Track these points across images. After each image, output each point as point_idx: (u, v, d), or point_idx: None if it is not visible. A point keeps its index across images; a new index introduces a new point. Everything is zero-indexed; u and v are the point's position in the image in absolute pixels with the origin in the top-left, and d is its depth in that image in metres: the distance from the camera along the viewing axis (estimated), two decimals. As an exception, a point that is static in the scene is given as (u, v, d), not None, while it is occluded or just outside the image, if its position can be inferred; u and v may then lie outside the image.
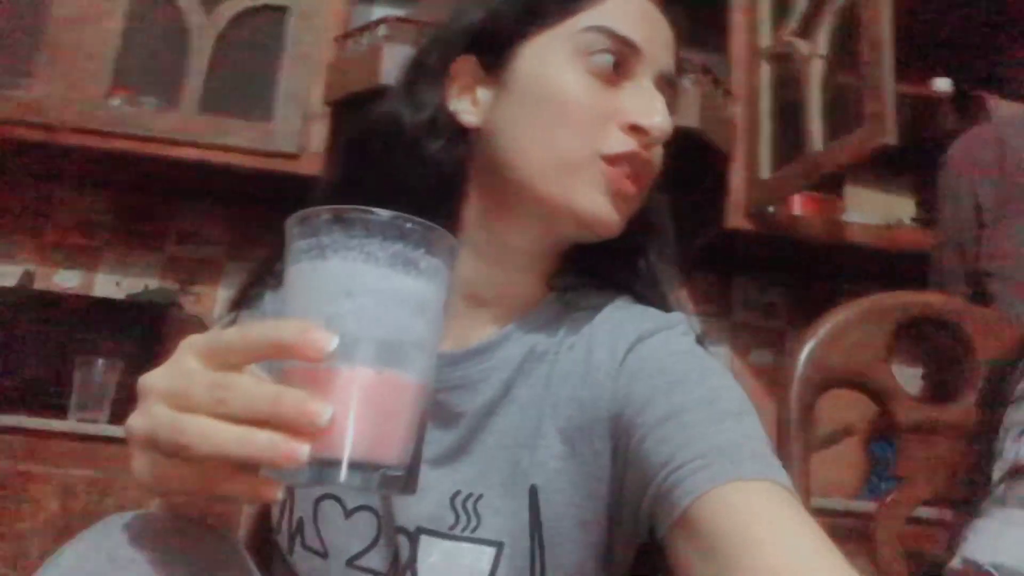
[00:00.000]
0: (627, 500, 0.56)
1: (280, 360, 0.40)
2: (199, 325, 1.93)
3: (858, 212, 2.10)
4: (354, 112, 1.77)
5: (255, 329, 0.39)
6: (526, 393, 0.61)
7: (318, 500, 0.63)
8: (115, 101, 1.77)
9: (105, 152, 1.75)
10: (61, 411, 1.56)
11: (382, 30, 1.73)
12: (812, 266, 2.13)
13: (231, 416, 0.37)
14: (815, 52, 1.66)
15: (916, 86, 1.99)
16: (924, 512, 1.01)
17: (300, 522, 0.63)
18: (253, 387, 0.38)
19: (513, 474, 0.59)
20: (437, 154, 0.61)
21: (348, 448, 0.38)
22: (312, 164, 1.76)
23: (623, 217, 0.60)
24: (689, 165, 1.96)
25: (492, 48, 0.61)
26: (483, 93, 0.62)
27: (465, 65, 0.62)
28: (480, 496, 0.59)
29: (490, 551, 0.58)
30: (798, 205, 1.92)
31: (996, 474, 0.72)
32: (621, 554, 0.60)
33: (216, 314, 2.00)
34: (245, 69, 1.83)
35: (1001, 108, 1.67)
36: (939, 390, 1.07)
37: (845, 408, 1.52)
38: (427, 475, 0.60)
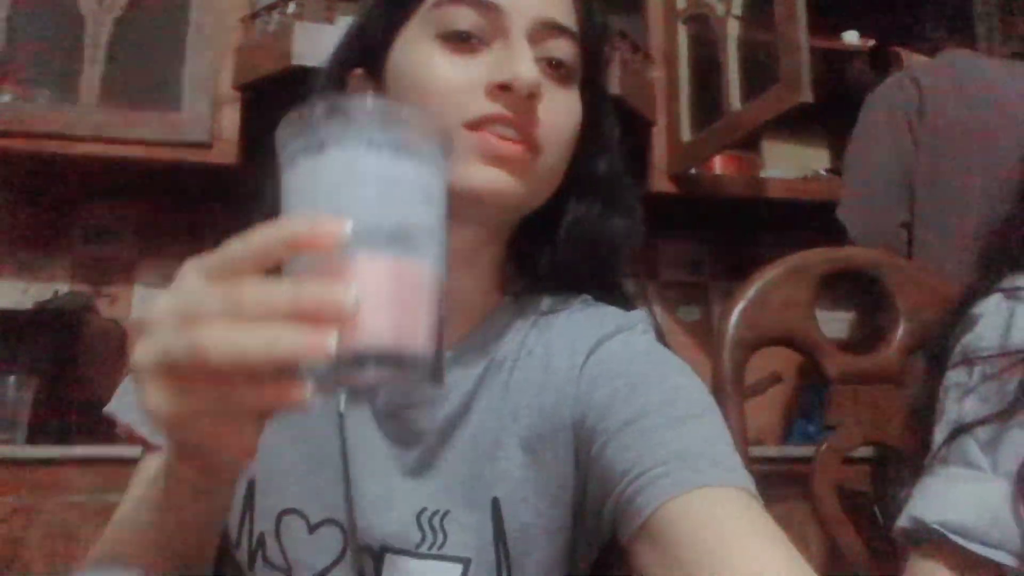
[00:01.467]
0: (590, 506, 0.56)
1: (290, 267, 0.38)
2: (117, 328, 1.86)
3: (775, 166, 2.15)
4: (265, 96, 1.70)
5: (259, 233, 0.36)
6: (485, 404, 0.60)
7: (280, 515, 0.61)
8: (4, 97, 1.65)
9: (-2, 152, 1.64)
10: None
11: (291, 8, 1.66)
12: (733, 221, 2.17)
13: (249, 320, 0.34)
14: (730, 12, 1.68)
15: (827, 39, 2.03)
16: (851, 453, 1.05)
17: (261, 537, 0.61)
18: (268, 286, 0.35)
19: (475, 487, 0.58)
20: None
21: (376, 337, 0.37)
22: (225, 153, 1.69)
23: (514, 180, 0.55)
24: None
25: (373, 55, 0.60)
26: None
27: (356, 79, 0.61)
28: (446, 512, 0.58)
29: (457, 568, 0.57)
30: (719, 165, 1.95)
31: (939, 435, 0.75)
32: (585, 556, 0.60)
33: (134, 315, 1.92)
34: (147, 56, 1.73)
35: (914, 61, 1.72)
36: (872, 335, 1.10)
37: (771, 357, 1.57)
38: (392, 492, 0.59)
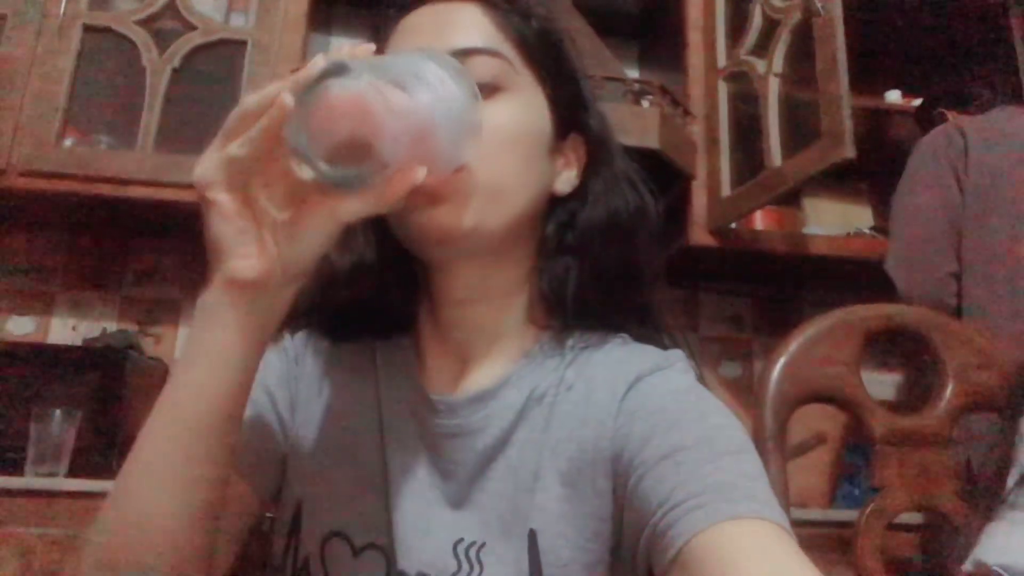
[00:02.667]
0: (626, 540, 0.56)
1: None
2: (160, 367, 1.89)
3: (817, 223, 2.14)
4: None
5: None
6: (525, 437, 0.60)
7: (326, 538, 0.62)
8: (67, 142, 1.73)
9: (58, 194, 1.70)
10: (17, 466, 1.50)
11: (340, 61, 1.72)
12: (775, 277, 2.15)
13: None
14: (771, 70, 1.69)
15: (869, 98, 2.04)
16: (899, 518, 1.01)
17: (306, 561, 0.62)
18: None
19: (513, 520, 0.58)
20: (369, 233, 0.66)
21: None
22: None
23: (449, 210, 0.56)
24: (652, 184, 1.97)
25: None
26: None
27: None
28: (483, 544, 0.59)
29: None
30: (760, 219, 1.95)
31: (1010, 480, 0.74)
32: None
33: (177, 355, 1.95)
34: (202, 105, 1.80)
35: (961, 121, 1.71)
36: (919, 397, 1.07)
37: (815, 416, 1.53)
38: (431, 520, 0.60)
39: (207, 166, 0.49)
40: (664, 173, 1.84)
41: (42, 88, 1.71)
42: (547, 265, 0.63)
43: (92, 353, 1.74)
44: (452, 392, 0.63)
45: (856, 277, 2.07)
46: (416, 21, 0.62)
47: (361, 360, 0.67)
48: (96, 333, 1.87)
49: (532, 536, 0.57)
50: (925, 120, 1.85)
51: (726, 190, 1.81)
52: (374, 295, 0.65)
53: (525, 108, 0.61)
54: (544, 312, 0.65)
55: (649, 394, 0.58)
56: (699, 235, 1.84)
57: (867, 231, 2.10)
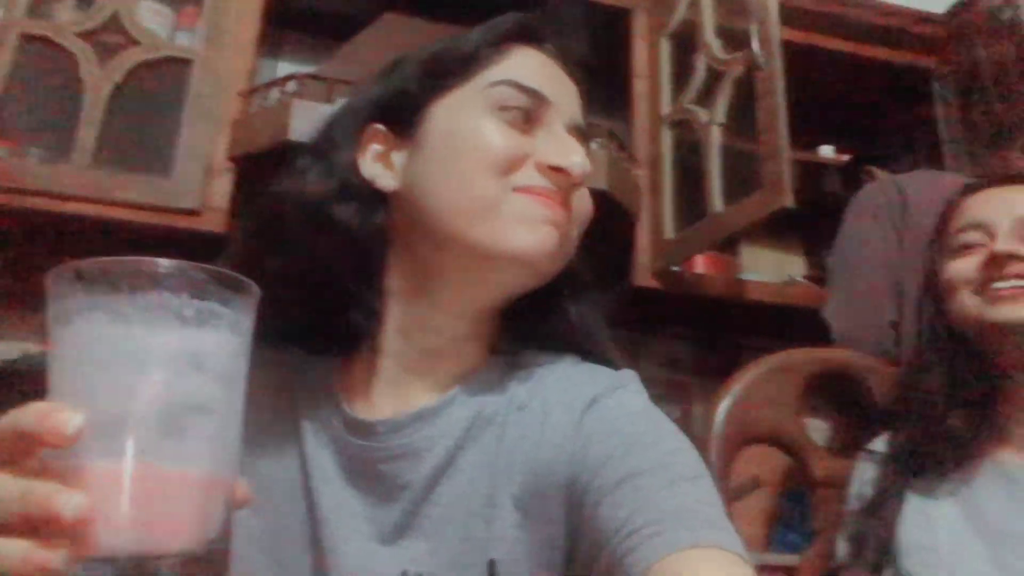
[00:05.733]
0: (580, 567, 0.55)
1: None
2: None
3: (753, 269, 2.20)
4: (259, 168, 1.72)
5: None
6: (475, 459, 0.59)
7: None
8: (-2, 153, 1.65)
9: (-16, 207, 1.62)
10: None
11: (291, 86, 1.70)
12: (713, 321, 2.20)
13: None
14: (714, 120, 1.75)
15: (804, 152, 2.13)
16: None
17: None
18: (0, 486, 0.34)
19: (466, 549, 0.57)
20: (351, 220, 0.60)
21: (116, 542, 0.34)
22: (213, 220, 1.69)
23: (553, 245, 0.59)
24: (599, 226, 2.00)
25: (401, 115, 0.63)
26: (397, 156, 0.63)
27: (375, 132, 0.64)
28: None
29: None
30: (700, 264, 1.99)
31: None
32: None
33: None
34: (144, 122, 1.75)
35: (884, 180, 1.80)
36: (851, 444, 1.12)
37: (748, 462, 1.56)
38: (373, 555, 0.57)
39: None
40: (610, 214, 1.88)
41: (-29, 94, 1.63)
42: (523, 309, 0.65)
43: (9, 375, 1.65)
44: (393, 412, 0.61)
45: (790, 323, 2.14)
46: (544, 63, 0.65)
47: (274, 376, 0.63)
48: (15, 355, 1.77)
49: (492, 566, 0.56)
50: (852, 176, 1.94)
51: (669, 233, 1.85)
52: (335, 311, 0.60)
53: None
54: (494, 332, 0.65)
55: (605, 416, 0.58)
56: (643, 277, 1.87)
57: (800, 279, 2.18)
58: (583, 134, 0.66)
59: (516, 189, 0.59)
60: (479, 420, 0.60)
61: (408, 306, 0.62)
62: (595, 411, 0.58)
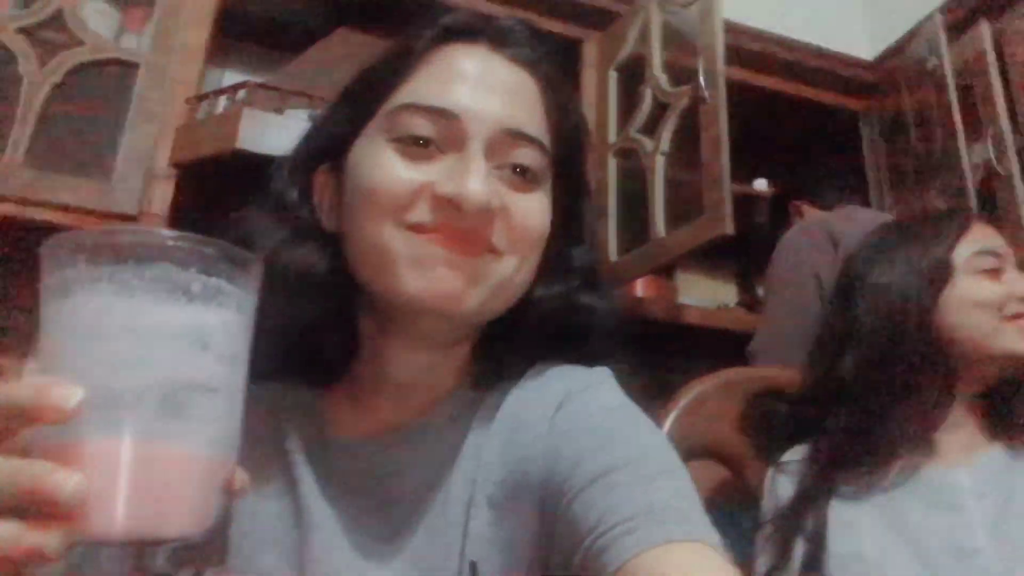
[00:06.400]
0: (555, 566, 0.54)
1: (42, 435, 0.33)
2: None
3: (687, 295, 2.27)
4: (202, 175, 1.69)
5: None
6: (457, 472, 0.59)
7: None
8: (-79, 146, 1.57)
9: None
10: None
11: (242, 94, 1.68)
12: (648, 344, 2.25)
13: None
14: (659, 149, 1.81)
15: (739, 184, 2.21)
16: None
17: None
18: None
19: (447, 554, 0.56)
20: (306, 260, 0.57)
21: (109, 527, 0.32)
22: (152, 226, 1.64)
23: (451, 287, 0.53)
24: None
25: (335, 152, 0.60)
26: (336, 198, 0.60)
27: (321, 175, 0.61)
28: None
29: None
30: (640, 287, 2.04)
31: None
32: None
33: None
34: (85, 124, 1.69)
35: (811, 215, 1.89)
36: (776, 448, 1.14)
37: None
38: (359, 566, 0.57)
39: None
40: (555, 236, 1.91)
41: None
42: (496, 338, 0.62)
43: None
44: (375, 434, 0.60)
45: (723, 347, 2.21)
46: (464, 65, 0.57)
47: (258, 404, 0.63)
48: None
49: (473, 568, 0.55)
50: (779, 209, 2.03)
51: (613, 256, 1.89)
52: (312, 334, 0.58)
53: (548, 206, 0.59)
54: (481, 357, 0.63)
55: (579, 412, 0.56)
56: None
57: (733, 305, 2.26)
58: (521, 136, 0.56)
59: (409, 227, 0.53)
60: (457, 434, 0.60)
61: (374, 341, 0.60)
62: (568, 408, 0.57)
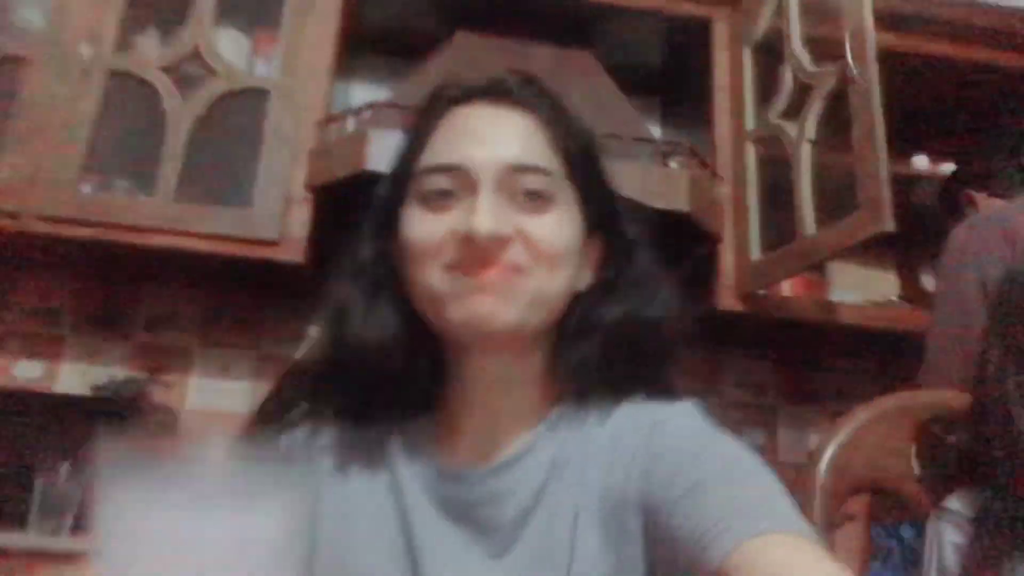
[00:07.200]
0: None
1: None
2: (168, 415, 1.83)
3: (841, 287, 2.10)
4: (337, 198, 1.72)
5: None
6: (557, 498, 0.63)
7: None
8: (86, 187, 1.69)
9: (73, 240, 1.67)
10: (20, 521, 1.44)
11: (367, 114, 1.70)
12: (799, 342, 2.11)
13: None
14: (804, 136, 1.67)
15: (895, 162, 2.01)
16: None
17: None
18: None
19: (552, 571, 0.60)
20: (390, 309, 0.67)
21: None
22: (292, 250, 1.70)
23: (487, 310, 0.61)
24: (680, 247, 1.95)
25: (390, 225, 0.68)
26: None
27: (392, 240, 0.68)
28: None
29: None
30: (787, 286, 1.91)
31: None
32: None
33: (188, 404, 1.90)
34: (224, 153, 1.77)
35: (987, 205, 1.68)
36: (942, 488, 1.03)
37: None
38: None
39: None
40: (692, 235, 1.82)
41: (62, 132, 1.68)
42: (566, 353, 0.67)
43: (101, 402, 1.69)
44: (480, 463, 0.66)
45: (881, 345, 2.04)
46: (468, 123, 0.66)
47: (373, 446, 0.70)
48: (104, 380, 1.82)
49: None
50: (949, 201, 1.81)
51: (755, 254, 1.77)
52: (402, 372, 0.67)
53: (570, 221, 0.66)
54: (563, 388, 0.68)
55: (671, 435, 0.61)
56: (727, 300, 1.80)
57: (894, 299, 2.07)
58: (522, 167, 0.64)
59: (446, 268, 0.62)
60: (557, 462, 0.64)
61: (458, 378, 0.68)
62: (661, 431, 0.62)
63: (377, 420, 0.70)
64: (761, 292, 1.80)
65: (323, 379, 0.71)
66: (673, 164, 1.81)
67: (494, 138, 0.65)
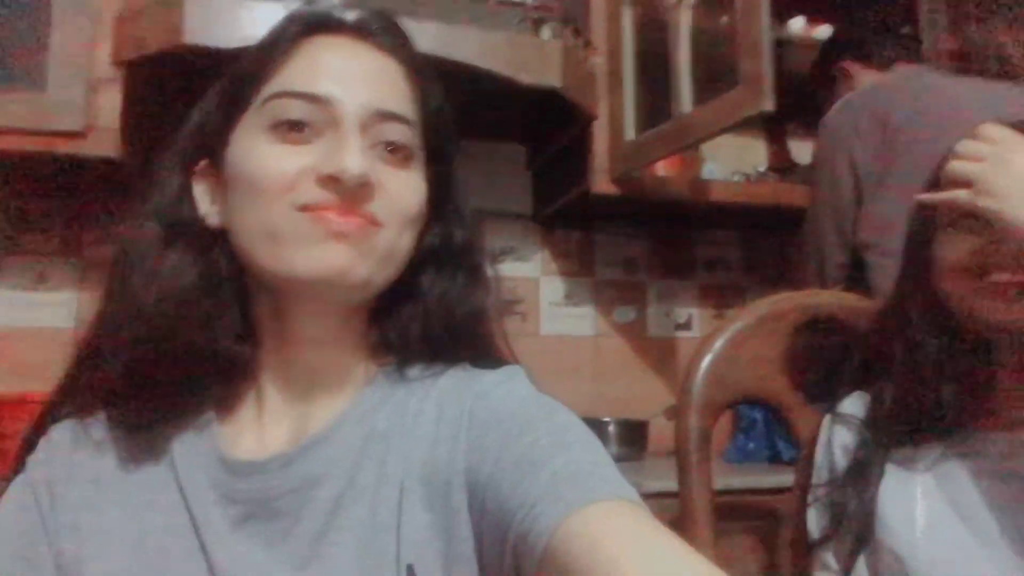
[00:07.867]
0: (489, 553, 0.55)
1: None
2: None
3: (712, 159, 2.06)
4: (151, 77, 1.45)
5: None
6: (375, 475, 0.59)
7: None
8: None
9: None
10: None
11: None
12: (670, 220, 2.08)
13: None
14: (683, 0, 1.53)
15: (772, 27, 1.92)
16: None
17: None
18: None
19: (379, 563, 0.56)
20: (187, 258, 0.61)
21: None
22: (103, 143, 1.43)
23: (345, 260, 0.57)
24: (550, 122, 1.82)
25: (213, 149, 0.62)
26: (220, 192, 0.63)
27: (204, 169, 0.64)
28: None
29: None
30: (661, 165, 1.83)
31: None
32: None
33: None
34: (5, 26, 1.44)
35: (863, 77, 1.64)
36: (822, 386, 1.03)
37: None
38: None
39: None
40: (564, 112, 1.69)
41: None
42: (391, 312, 0.65)
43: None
44: (288, 442, 0.61)
45: (750, 217, 2.03)
46: (332, 55, 0.61)
47: (151, 447, 0.62)
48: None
49: (410, 570, 0.55)
50: (824, 75, 1.76)
51: (630, 133, 1.67)
52: (197, 334, 0.59)
53: (421, 182, 0.63)
54: (384, 350, 0.66)
55: (497, 404, 0.59)
56: (601, 183, 1.71)
57: (764, 171, 2.05)
58: (389, 115, 0.60)
59: (298, 208, 0.57)
60: (374, 436, 0.60)
61: (274, 338, 0.63)
62: (487, 401, 0.59)
63: (154, 404, 0.61)
64: (635, 173, 1.72)
65: (95, 352, 0.61)
66: (545, 33, 1.64)
67: (362, 76, 0.61)
